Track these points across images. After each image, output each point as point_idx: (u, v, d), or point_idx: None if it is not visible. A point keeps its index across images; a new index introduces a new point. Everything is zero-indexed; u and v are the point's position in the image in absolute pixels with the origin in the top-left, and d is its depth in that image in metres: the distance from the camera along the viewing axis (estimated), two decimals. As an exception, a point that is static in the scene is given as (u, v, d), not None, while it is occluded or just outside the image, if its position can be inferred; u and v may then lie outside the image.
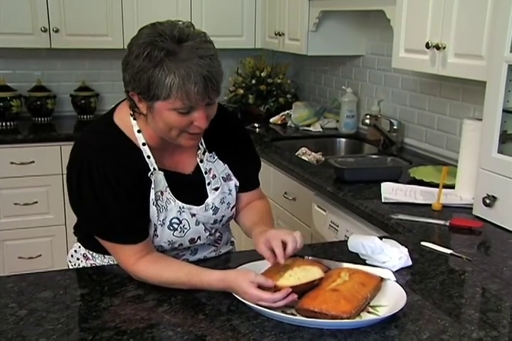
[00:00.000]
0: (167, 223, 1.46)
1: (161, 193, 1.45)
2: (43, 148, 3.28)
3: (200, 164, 1.53)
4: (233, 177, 1.58)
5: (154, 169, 1.44)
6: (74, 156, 1.42)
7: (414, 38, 2.27)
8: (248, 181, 1.63)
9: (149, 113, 1.36)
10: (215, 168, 1.55)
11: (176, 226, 1.47)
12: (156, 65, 1.27)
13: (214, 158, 1.56)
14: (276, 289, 1.24)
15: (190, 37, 1.31)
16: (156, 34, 1.29)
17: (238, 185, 1.59)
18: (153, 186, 1.43)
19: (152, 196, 1.43)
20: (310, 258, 1.44)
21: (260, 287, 1.23)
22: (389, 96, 3.13)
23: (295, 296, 1.23)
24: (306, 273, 1.30)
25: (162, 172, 1.45)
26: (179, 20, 1.36)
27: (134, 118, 1.43)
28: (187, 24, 1.35)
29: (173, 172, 1.49)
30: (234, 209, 1.61)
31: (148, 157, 1.44)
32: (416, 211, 1.95)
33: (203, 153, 1.54)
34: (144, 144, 1.43)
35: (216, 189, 1.54)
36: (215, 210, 1.54)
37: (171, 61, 1.27)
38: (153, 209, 1.43)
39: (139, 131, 1.43)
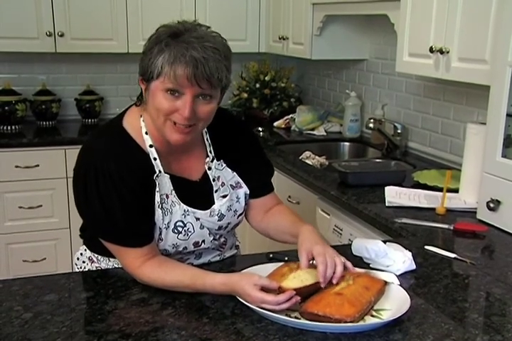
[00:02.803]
0: (172, 226, 1.46)
1: (167, 196, 1.45)
2: (47, 152, 3.29)
3: (208, 171, 1.53)
4: (243, 185, 1.58)
5: (160, 172, 1.44)
6: (81, 159, 1.42)
7: (418, 42, 2.27)
8: (261, 186, 1.63)
9: (147, 97, 1.38)
10: (223, 176, 1.55)
11: (180, 229, 1.47)
12: (157, 43, 1.32)
13: (222, 165, 1.56)
14: (280, 291, 1.24)
15: (201, 30, 1.35)
16: (173, 23, 1.36)
17: (248, 192, 1.59)
18: (158, 189, 1.44)
19: (157, 199, 1.43)
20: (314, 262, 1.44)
21: (264, 290, 1.24)
22: (393, 100, 3.14)
23: (298, 298, 1.23)
24: (309, 275, 1.30)
25: (168, 176, 1.45)
26: (198, 22, 1.40)
27: (143, 121, 1.44)
28: (204, 25, 1.39)
29: (180, 177, 1.49)
30: (241, 216, 1.60)
31: (155, 159, 1.44)
32: (420, 215, 1.95)
33: (211, 161, 1.54)
34: (151, 146, 1.44)
35: (224, 196, 1.54)
36: (221, 217, 1.54)
37: (172, 40, 1.31)
38: (158, 212, 1.44)
39: (146, 133, 1.44)
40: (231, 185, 1.56)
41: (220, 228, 1.55)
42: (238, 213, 1.58)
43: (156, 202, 1.43)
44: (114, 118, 1.50)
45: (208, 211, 1.51)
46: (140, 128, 1.44)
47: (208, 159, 1.53)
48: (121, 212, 1.38)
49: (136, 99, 1.47)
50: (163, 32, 1.34)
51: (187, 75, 1.29)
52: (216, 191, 1.54)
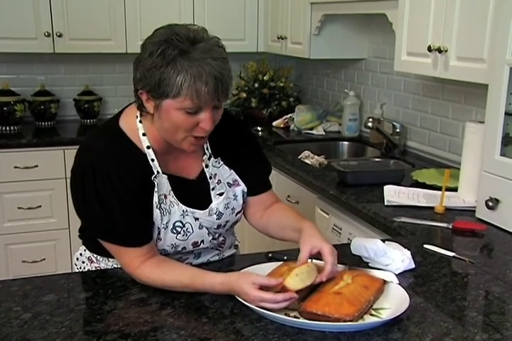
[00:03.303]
0: (170, 226, 1.46)
1: (165, 196, 1.46)
2: (46, 152, 3.29)
3: (205, 169, 1.53)
4: (241, 183, 1.58)
5: (158, 172, 1.44)
6: (78, 159, 1.42)
7: (416, 41, 2.27)
8: (259, 184, 1.63)
9: (156, 112, 1.37)
10: (220, 174, 1.55)
11: (179, 229, 1.47)
12: (168, 62, 1.29)
13: (219, 163, 1.56)
14: (283, 290, 1.23)
15: (205, 39, 1.34)
16: (172, 33, 1.32)
17: (246, 190, 1.59)
18: (156, 189, 1.44)
19: (156, 199, 1.43)
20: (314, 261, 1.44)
21: (262, 289, 1.24)
22: (391, 99, 3.14)
23: (296, 296, 1.23)
24: (308, 274, 1.30)
25: (166, 176, 1.45)
26: (194, 24, 1.38)
27: (140, 122, 1.44)
28: (202, 28, 1.37)
29: (178, 176, 1.49)
30: (239, 214, 1.61)
31: (152, 160, 1.44)
32: (419, 214, 1.95)
33: (209, 159, 1.54)
34: (148, 147, 1.44)
35: (221, 194, 1.54)
36: (219, 215, 1.54)
37: (184, 59, 1.28)
38: (156, 212, 1.44)
39: (144, 135, 1.44)
40: (228, 183, 1.56)
41: (218, 227, 1.55)
42: (236, 211, 1.58)
43: (154, 203, 1.43)
44: (111, 119, 1.50)
45: (207, 210, 1.51)
46: (137, 129, 1.44)
47: (205, 156, 1.53)
48: (119, 212, 1.37)
49: (139, 109, 1.44)
50: (167, 44, 1.30)
51: (209, 93, 1.30)
52: (213, 189, 1.54)
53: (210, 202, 1.53)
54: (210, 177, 1.54)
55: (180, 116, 1.33)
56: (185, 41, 1.30)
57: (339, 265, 1.39)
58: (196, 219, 1.50)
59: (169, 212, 1.46)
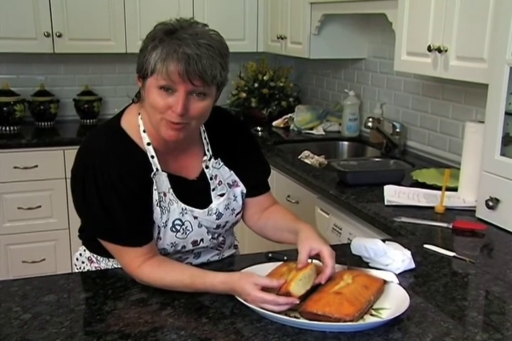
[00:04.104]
0: (170, 224, 1.46)
1: (164, 194, 1.45)
2: (46, 153, 3.28)
3: (205, 170, 1.53)
4: (240, 184, 1.58)
5: (157, 169, 1.44)
6: (79, 159, 1.42)
7: (416, 41, 2.27)
8: (257, 186, 1.63)
9: (144, 94, 1.38)
10: (220, 174, 1.55)
11: (178, 227, 1.47)
12: (153, 40, 1.32)
13: (220, 164, 1.56)
14: (288, 296, 1.23)
15: (197, 28, 1.35)
16: (173, 20, 1.36)
17: (245, 191, 1.59)
18: (155, 187, 1.43)
19: (155, 197, 1.43)
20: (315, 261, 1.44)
21: (264, 289, 1.24)
22: (391, 99, 3.14)
23: (297, 301, 1.23)
24: (310, 278, 1.29)
25: (165, 174, 1.45)
26: (198, 22, 1.40)
27: (142, 118, 1.44)
28: (205, 24, 1.40)
29: (177, 176, 1.49)
30: (239, 215, 1.60)
31: (152, 157, 1.44)
32: (419, 214, 1.95)
33: (209, 160, 1.54)
34: (148, 144, 1.44)
35: (221, 195, 1.54)
36: (219, 215, 1.54)
37: (167, 37, 1.31)
38: (156, 210, 1.44)
39: (144, 131, 1.44)
40: (228, 184, 1.56)
41: (218, 227, 1.55)
42: (236, 212, 1.58)
43: (154, 200, 1.43)
44: (112, 118, 1.50)
45: (206, 210, 1.51)
46: (138, 126, 1.44)
47: (205, 157, 1.53)
48: (120, 212, 1.37)
49: (135, 96, 1.47)
50: (159, 29, 1.35)
51: (179, 71, 1.29)
52: (213, 190, 1.54)
53: (210, 202, 1.53)
54: (211, 178, 1.53)
55: (155, 95, 1.34)
56: (177, 24, 1.34)
57: (338, 265, 1.38)
58: (195, 217, 1.50)
59: (168, 210, 1.46)
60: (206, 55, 1.31)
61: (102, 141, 1.44)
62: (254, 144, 1.67)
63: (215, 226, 1.54)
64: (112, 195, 1.37)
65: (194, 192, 1.51)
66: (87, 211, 1.41)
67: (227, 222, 1.57)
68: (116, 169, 1.38)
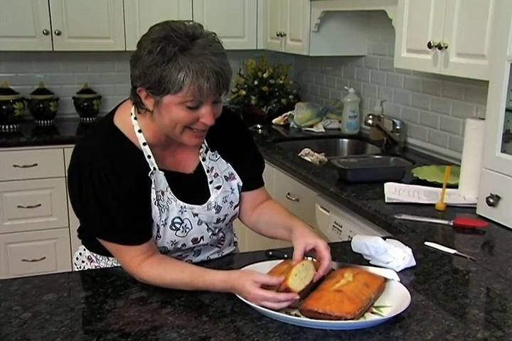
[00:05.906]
0: (169, 223, 1.46)
1: (162, 193, 1.45)
2: (45, 151, 3.28)
3: (202, 162, 1.53)
4: (236, 177, 1.58)
5: (154, 169, 1.44)
6: (74, 159, 1.42)
7: (416, 37, 2.27)
8: (252, 180, 1.63)
9: (156, 108, 1.37)
10: (217, 167, 1.55)
11: (178, 225, 1.47)
12: (169, 59, 1.29)
13: (217, 156, 1.56)
14: (287, 291, 1.23)
15: (203, 35, 1.34)
16: (170, 30, 1.32)
17: (241, 184, 1.59)
18: (153, 186, 1.43)
19: (153, 196, 1.43)
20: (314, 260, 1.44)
21: (264, 287, 1.23)
22: (391, 96, 3.13)
23: (298, 297, 1.23)
24: (306, 272, 1.29)
25: (162, 172, 1.45)
26: (190, 21, 1.38)
27: (135, 118, 1.44)
28: (198, 24, 1.38)
29: (174, 172, 1.49)
30: (237, 208, 1.61)
31: (149, 157, 1.44)
32: (419, 211, 1.94)
33: (206, 152, 1.54)
34: (144, 144, 1.43)
35: (218, 187, 1.55)
36: (218, 209, 1.54)
37: (184, 56, 1.29)
38: (155, 209, 1.44)
39: (139, 131, 1.43)
40: (225, 176, 1.57)
41: (218, 221, 1.55)
42: (234, 204, 1.58)
43: (152, 199, 1.43)
44: (105, 118, 1.49)
45: (205, 205, 1.51)
46: (132, 126, 1.44)
47: (201, 150, 1.53)
48: (117, 211, 1.37)
49: (134, 106, 1.44)
50: (166, 44, 1.30)
51: (210, 88, 1.31)
52: (211, 182, 1.54)
53: (208, 196, 1.53)
54: (208, 171, 1.54)
55: (180, 111, 1.34)
56: (184, 37, 1.31)
57: (333, 262, 1.38)
58: (195, 215, 1.50)
59: (167, 208, 1.46)
60: (225, 66, 1.33)
61: (97, 139, 1.44)
62: (250, 138, 1.67)
63: (215, 221, 1.54)
64: (109, 194, 1.37)
65: (192, 187, 1.51)
66: (85, 210, 1.41)
67: (226, 215, 1.57)
68: (113, 167, 1.37)
